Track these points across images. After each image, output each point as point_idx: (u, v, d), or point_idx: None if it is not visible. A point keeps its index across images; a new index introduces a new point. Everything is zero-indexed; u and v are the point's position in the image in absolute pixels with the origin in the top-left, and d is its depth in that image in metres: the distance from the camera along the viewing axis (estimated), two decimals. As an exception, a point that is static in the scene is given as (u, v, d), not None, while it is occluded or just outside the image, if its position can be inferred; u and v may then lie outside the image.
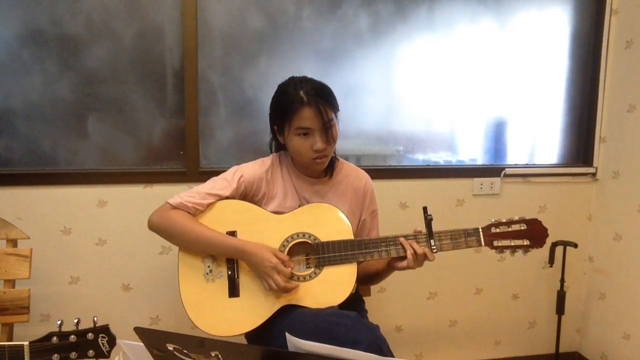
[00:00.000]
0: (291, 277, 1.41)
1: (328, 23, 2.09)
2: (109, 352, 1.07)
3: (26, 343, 1.04)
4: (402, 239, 1.42)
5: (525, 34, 2.26)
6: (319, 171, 1.51)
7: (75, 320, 1.07)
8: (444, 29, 2.19)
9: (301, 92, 1.38)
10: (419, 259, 1.40)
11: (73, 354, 1.05)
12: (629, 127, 2.18)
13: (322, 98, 1.39)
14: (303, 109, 1.37)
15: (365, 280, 1.63)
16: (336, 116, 1.44)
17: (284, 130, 1.43)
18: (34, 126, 1.93)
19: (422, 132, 2.25)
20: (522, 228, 1.42)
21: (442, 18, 2.18)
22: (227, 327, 1.39)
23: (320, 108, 1.37)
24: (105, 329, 1.07)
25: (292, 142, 1.42)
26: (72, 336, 1.05)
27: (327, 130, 1.40)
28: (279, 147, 1.55)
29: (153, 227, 1.44)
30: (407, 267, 1.41)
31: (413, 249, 1.39)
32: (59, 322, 1.06)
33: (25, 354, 1.04)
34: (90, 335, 1.06)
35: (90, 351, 1.06)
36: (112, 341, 1.07)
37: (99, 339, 1.06)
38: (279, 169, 1.53)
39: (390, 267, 1.48)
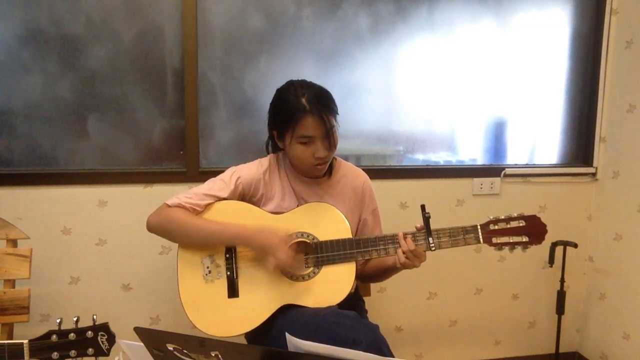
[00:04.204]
0: (290, 276, 1.41)
1: (328, 23, 2.09)
2: (109, 350, 1.07)
3: (25, 341, 1.04)
4: (400, 234, 1.41)
5: (525, 34, 2.26)
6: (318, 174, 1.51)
7: (75, 319, 1.06)
8: (444, 29, 2.19)
9: (303, 100, 1.37)
10: (410, 256, 1.38)
11: (72, 352, 1.05)
12: (629, 127, 2.18)
13: (324, 105, 1.38)
14: (306, 117, 1.36)
15: (373, 277, 1.62)
16: (336, 120, 1.43)
17: (285, 138, 1.42)
18: (34, 126, 1.93)
19: (422, 132, 2.25)
20: (521, 225, 1.42)
21: (442, 18, 2.18)
22: (227, 328, 1.39)
23: (322, 116, 1.37)
24: (104, 327, 1.06)
25: (294, 149, 1.42)
26: (72, 334, 1.05)
27: (329, 137, 1.40)
28: (275, 148, 1.55)
29: (152, 227, 1.44)
30: (400, 263, 1.40)
31: (407, 245, 1.38)
32: (58, 320, 1.06)
33: (24, 352, 1.04)
34: (89, 333, 1.05)
35: (90, 349, 1.06)
36: (111, 339, 1.07)
37: (99, 337, 1.06)
38: (277, 170, 1.53)
39: (395, 267, 1.46)
